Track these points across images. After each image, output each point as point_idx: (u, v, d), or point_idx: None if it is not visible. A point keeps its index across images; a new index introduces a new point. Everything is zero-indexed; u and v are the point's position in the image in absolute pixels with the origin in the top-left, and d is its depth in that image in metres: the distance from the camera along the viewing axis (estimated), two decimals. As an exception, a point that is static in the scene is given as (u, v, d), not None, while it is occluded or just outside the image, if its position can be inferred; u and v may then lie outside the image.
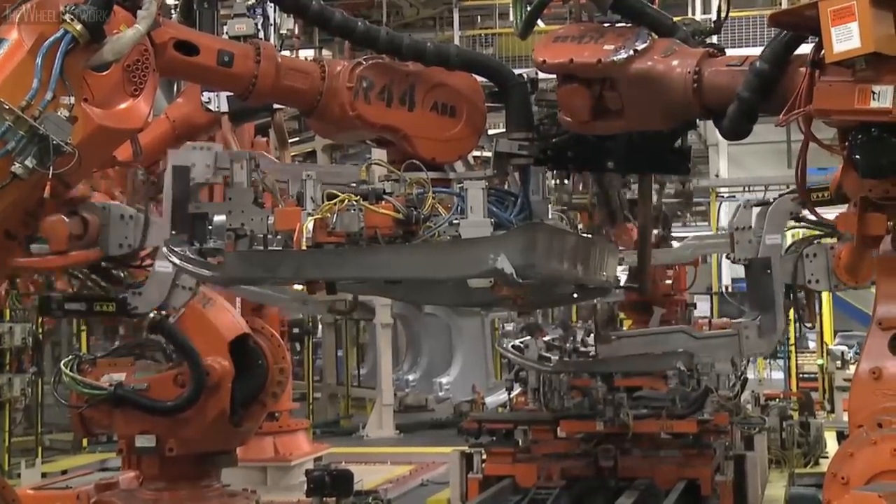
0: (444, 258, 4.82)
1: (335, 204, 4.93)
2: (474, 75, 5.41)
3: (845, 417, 14.14)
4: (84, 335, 13.41)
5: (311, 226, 4.95)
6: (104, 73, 4.07)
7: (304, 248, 4.96)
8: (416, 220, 4.96)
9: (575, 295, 6.08)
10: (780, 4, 20.42)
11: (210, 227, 5.27)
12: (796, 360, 16.88)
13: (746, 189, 22.26)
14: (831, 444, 12.13)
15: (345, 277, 5.20)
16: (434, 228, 4.93)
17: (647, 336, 7.48)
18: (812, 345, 17.29)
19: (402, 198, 5.03)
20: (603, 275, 5.60)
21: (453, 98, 5.29)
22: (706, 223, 24.32)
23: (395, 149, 5.44)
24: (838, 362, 14.59)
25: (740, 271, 7.87)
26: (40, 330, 13.28)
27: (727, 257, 6.74)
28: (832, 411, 14.52)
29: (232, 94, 7.12)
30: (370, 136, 5.51)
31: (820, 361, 16.01)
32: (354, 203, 4.94)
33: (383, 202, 4.97)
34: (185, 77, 6.25)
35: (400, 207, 4.99)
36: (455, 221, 4.93)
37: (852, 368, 14.17)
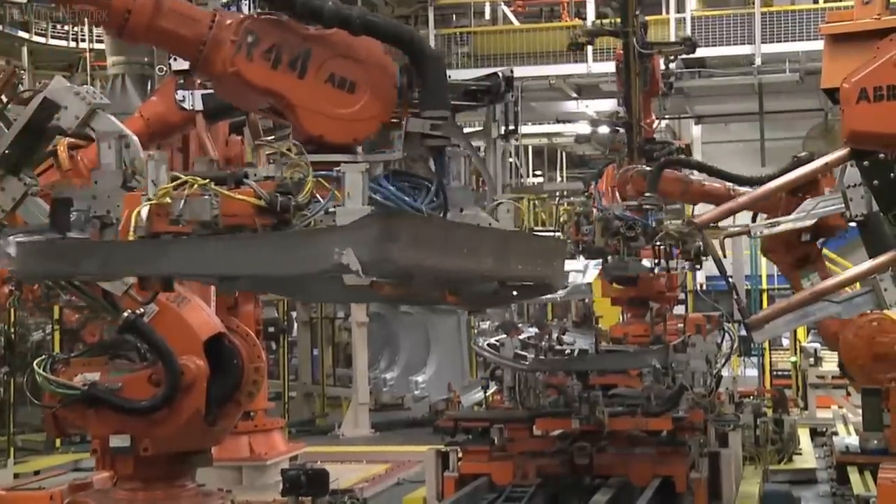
0: (283, 252, 4.24)
1: (176, 188, 4.38)
2: (390, 59, 4.93)
3: (818, 414, 14.34)
4: (57, 335, 13.31)
5: (144, 212, 4.40)
6: None
7: (132, 237, 4.43)
8: (284, 207, 4.45)
9: (514, 293, 5.47)
10: (753, 4, 20.56)
11: (73, 215, 4.76)
12: (770, 358, 17.00)
13: (720, 187, 22.35)
14: (805, 441, 12.22)
15: (163, 273, 4.65)
16: (309, 217, 4.45)
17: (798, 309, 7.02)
18: (786, 342, 17.41)
19: (275, 183, 4.53)
20: (537, 270, 5.04)
21: (355, 73, 4.74)
22: (680, 221, 24.47)
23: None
24: (811, 359, 14.70)
25: (713, 269, 7.93)
26: (12, 330, 13.17)
27: (842, 216, 6.76)
28: (805, 408, 14.63)
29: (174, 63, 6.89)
30: (257, 100, 5.01)
31: (793, 359, 16.12)
32: (206, 187, 4.41)
33: (244, 187, 4.47)
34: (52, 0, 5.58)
35: (262, 193, 4.45)
36: (331, 210, 4.45)
37: (825, 365, 14.33)
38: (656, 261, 8.68)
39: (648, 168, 9.06)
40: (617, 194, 10.12)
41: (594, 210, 7.84)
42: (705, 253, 7.79)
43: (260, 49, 4.63)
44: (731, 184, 8.94)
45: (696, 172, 9.91)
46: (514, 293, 5.35)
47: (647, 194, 7.90)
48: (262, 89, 4.70)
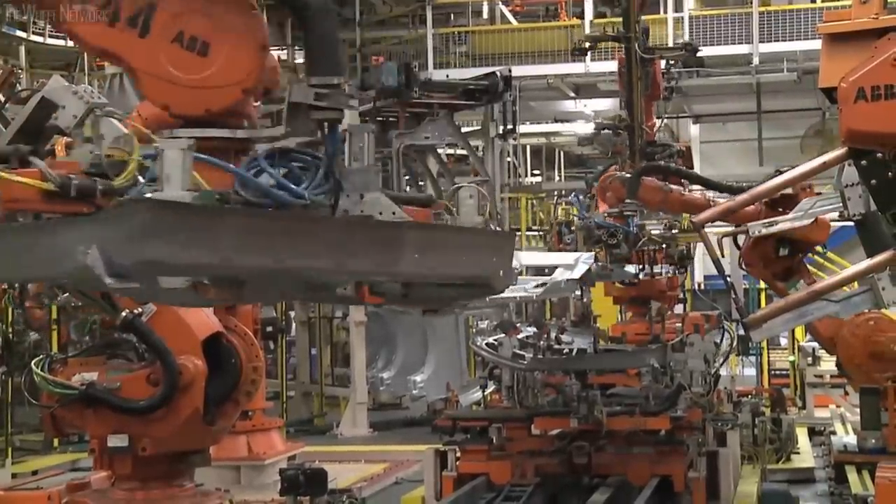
0: (13, 251, 3.41)
1: None
2: (260, 18, 4.24)
3: (816, 413, 14.35)
4: (55, 335, 13.30)
5: None
6: None
7: None
8: (84, 192, 3.75)
9: (446, 293, 4.66)
10: (751, 4, 20.55)
11: None
12: (768, 357, 17.00)
13: (718, 187, 22.38)
14: (803, 441, 12.23)
15: None
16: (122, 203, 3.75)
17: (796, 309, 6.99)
18: (784, 341, 17.42)
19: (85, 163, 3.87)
20: (461, 267, 4.31)
21: (210, 32, 4.00)
22: (677, 220, 24.48)
23: None
24: (809, 359, 14.71)
25: (711, 268, 7.94)
26: (10, 330, 13.17)
27: (840, 215, 6.78)
28: (803, 407, 14.64)
29: None
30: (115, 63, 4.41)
31: (791, 358, 16.13)
32: None
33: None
34: None
35: (49, 174, 3.75)
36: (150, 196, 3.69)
37: (823, 365, 14.34)
38: (640, 266, 8.70)
39: (628, 175, 9.11)
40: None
41: (575, 219, 7.85)
42: (689, 256, 7.83)
43: (97, 2, 3.99)
44: (711, 193, 9.02)
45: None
46: (447, 293, 4.58)
47: (628, 201, 7.90)
48: (97, 49, 4.12)
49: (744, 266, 9.02)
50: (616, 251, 7.87)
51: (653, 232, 7.63)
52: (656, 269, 8.67)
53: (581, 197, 9.74)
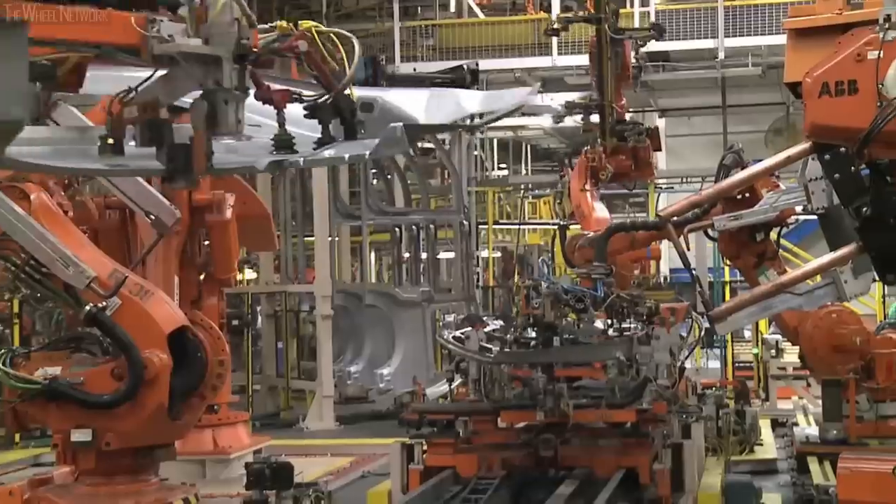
0: None
1: None
2: None
3: (779, 405, 14.49)
4: (17, 328, 13.15)
5: None
6: None
7: None
8: None
9: None
10: (720, -3, 20.69)
11: None
12: (732, 350, 17.15)
13: (684, 180, 22.58)
14: (766, 432, 12.34)
15: None
16: None
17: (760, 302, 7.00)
18: (748, 334, 17.57)
19: None
20: None
21: None
22: (644, 214, 24.62)
23: None
24: (773, 351, 14.85)
25: (677, 262, 7.98)
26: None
27: (804, 209, 6.84)
28: (767, 399, 14.77)
29: None
30: None
31: (755, 350, 16.27)
32: None
33: None
34: None
35: None
36: None
37: (786, 357, 14.47)
38: (609, 322, 8.84)
39: (595, 235, 9.16)
40: (590, 176, 10.48)
41: (543, 284, 7.89)
42: (657, 313, 7.98)
43: None
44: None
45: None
46: None
47: (596, 263, 7.99)
48: None
49: (727, 261, 9.09)
50: (584, 315, 7.97)
51: (621, 292, 7.75)
52: (625, 325, 8.75)
53: (548, 263, 9.84)
